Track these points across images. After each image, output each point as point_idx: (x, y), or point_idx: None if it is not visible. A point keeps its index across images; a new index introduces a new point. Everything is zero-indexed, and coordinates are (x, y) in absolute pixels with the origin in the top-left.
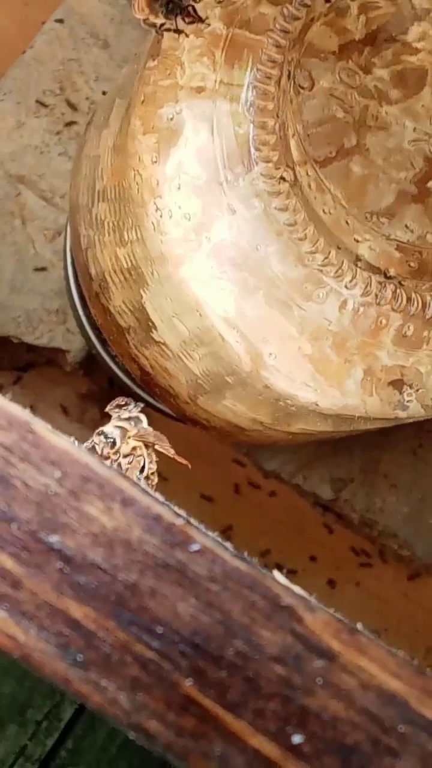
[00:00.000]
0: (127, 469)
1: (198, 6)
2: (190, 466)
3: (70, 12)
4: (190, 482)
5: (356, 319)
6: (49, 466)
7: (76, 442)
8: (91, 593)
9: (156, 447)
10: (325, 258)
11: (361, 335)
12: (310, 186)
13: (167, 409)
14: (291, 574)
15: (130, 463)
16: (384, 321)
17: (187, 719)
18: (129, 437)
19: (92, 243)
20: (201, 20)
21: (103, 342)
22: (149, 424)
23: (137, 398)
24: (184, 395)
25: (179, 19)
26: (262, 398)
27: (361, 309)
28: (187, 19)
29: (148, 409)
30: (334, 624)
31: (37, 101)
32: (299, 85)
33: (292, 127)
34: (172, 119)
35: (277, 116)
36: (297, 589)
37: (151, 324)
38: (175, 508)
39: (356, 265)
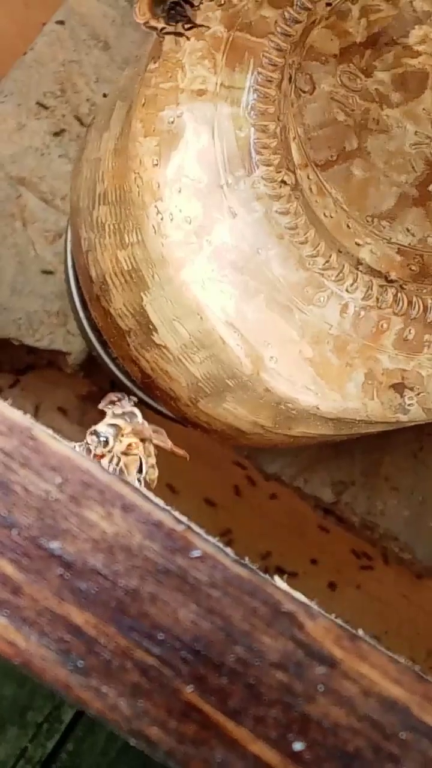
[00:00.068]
0: (122, 469)
1: (199, 10)
2: (188, 458)
3: (70, 13)
4: (191, 485)
5: (357, 323)
6: (50, 472)
7: (77, 447)
8: (91, 599)
9: (154, 441)
10: (326, 261)
11: (362, 339)
12: (311, 189)
13: (168, 412)
14: (292, 576)
15: (125, 463)
16: (385, 325)
17: (188, 726)
18: (123, 434)
19: (93, 246)
20: (200, 26)
21: (104, 344)
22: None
23: (138, 401)
24: (185, 398)
25: (180, 24)
26: (262, 401)
27: (362, 312)
28: (187, 26)
29: (149, 412)
30: (335, 630)
31: (38, 103)
32: (300, 89)
33: (293, 131)
34: (173, 122)
35: (278, 119)
36: (298, 595)
37: (151, 327)
38: (176, 514)
39: (357, 269)
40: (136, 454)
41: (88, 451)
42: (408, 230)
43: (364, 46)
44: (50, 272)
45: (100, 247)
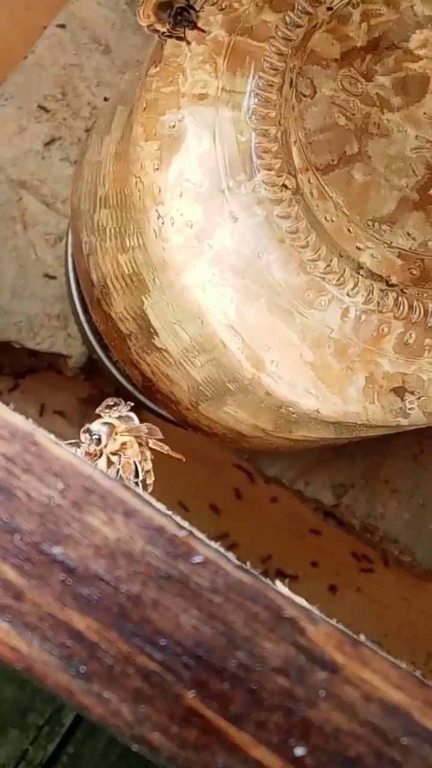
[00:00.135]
0: (120, 469)
1: (201, 14)
2: (184, 460)
3: (71, 17)
4: (192, 487)
5: (358, 327)
6: (52, 478)
7: (78, 452)
8: (93, 605)
9: (150, 444)
10: (327, 266)
11: (362, 343)
12: (312, 193)
13: (168, 415)
14: (292, 579)
15: (120, 462)
16: (386, 328)
17: (190, 731)
18: (117, 434)
19: (94, 249)
20: (203, 31)
21: (105, 348)
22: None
23: (139, 404)
24: (186, 402)
25: (186, 30)
26: (263, 405)
27: (363, 316)
28: (192, 30)
29: (149, 415)
30: (336, 636)
31: (39, 106)
32: (301, 93)
33: (293, 135)
34: (174, 126)
35: (279, 124)
36: (300, 600)
37: (152, 330)
38: (178, 520)
39: (358, 273)
40: (129, 456)
41: (78, 446)
42: (409, 234)
43: (365, 51)
44: (51, 275)
45: (101, 250)
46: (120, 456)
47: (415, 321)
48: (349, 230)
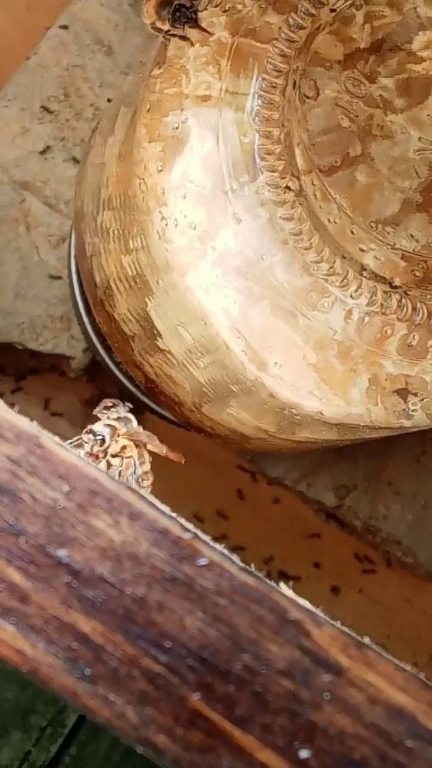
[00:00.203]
0: (120, 471)
1: (203, 15)
2: (183, 461)
3: (74, 18)
4: (193, 488)
5: (361, 329)
6: (57, 480)
7: (82, 453)
8: (99, 607)
9: (148, 447)
10: (331, 267)
11: (366, 344)
12: (315, 195)
13: (171, 417)
14: (294, 581)
15: (120, 464)
16: (389, 330)
17: (195, 734)
18: (118, 435)
19: (97, 250)
20: (206, 31)
21: (108, 349)
22: (148, 429)
23: (141, 405)
24: (189, 403)
25: (185, 27)
26: (266, 407)
27: (366, 318)
28: (191, 28)
29: (152, 416)
30: (341, 638)
31: (42, 107)
32: (304, 95)
33: (297, 136)
34: (177, 128)
35: (283, 125)
36: (305, 603)
37: (155, 332)
38: (183, 522)
39: (361, 275)
40: (130, 456)
41: (80, 446)
42: (412, 236)
43: (368, 52)
44: (54, 277)
45: (105, 252)
46: (121, 458)
47: (419, 323)
48: (352, 232)
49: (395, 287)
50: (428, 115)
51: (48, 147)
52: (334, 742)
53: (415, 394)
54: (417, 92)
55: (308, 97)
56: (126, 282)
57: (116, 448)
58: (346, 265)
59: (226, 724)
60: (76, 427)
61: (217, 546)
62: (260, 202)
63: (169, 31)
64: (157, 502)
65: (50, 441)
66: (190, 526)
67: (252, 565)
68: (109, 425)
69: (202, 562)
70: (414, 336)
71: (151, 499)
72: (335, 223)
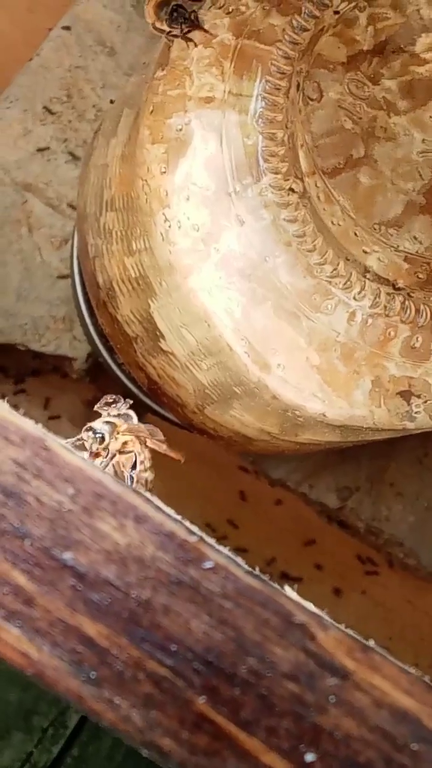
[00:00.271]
0: (116, 468)
1: (204, 16)
2: (183, 460)
3: (76, 19)
4: (196, 490)
5: (364, 331)
6: (63, 483)
7: (87, 455)
8: (104, 610)
9: (148, 443)
10: (334, 269)
11: (369, 346)
12: (318, 197)
13: (174, 418)
14: (296, 582)
15: (121, 462)
16: (392, 332)
17: (201, 737)
18: (119, 432)
19: (100, 252)
20: (204, 30)
21: (110, 350)
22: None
23: (144, 407)
24: (192, 405)
25: (183, 27)
26: (269, 409)
27: (370, 320)
28: (189, 28)
29: (155, 418)
30: (347, 642)
31: (44, 108)
32: (308, 96)
33: (300, 138)
34: (180, 129)
35: (286, 127)
36: (310, 606)
37: (158, 333)
38: (188, 525)
39: (365, 277)
40: (131, 451)
41: (83, 447)
42: (415, 238)
43: (372, 54)
44: (56, 278)
45: (108, 253)
46: (123, 454)
47: (422, 325)
48: (355, 234)
49: (398, 289)
50: (431, 116)
51: (50, 148)
52: (340, 746)
53: (418, 396)
54: (420, 94)
55: (311, 99)
56: (129, 283)
57: (117, 445)
58: (350, 267)
59: (232, 727)
60: (78, 428)
61: (223, 549)
62: (263, 204)
63: (170, 32)
64: (163, 505)
65: (56, 444)
66: (195, 529)
67: (257, 568)
68: (108, 422)
69: (208, 565)
70: (417, 338)
71: (157, 502)
72: (339, 225)
